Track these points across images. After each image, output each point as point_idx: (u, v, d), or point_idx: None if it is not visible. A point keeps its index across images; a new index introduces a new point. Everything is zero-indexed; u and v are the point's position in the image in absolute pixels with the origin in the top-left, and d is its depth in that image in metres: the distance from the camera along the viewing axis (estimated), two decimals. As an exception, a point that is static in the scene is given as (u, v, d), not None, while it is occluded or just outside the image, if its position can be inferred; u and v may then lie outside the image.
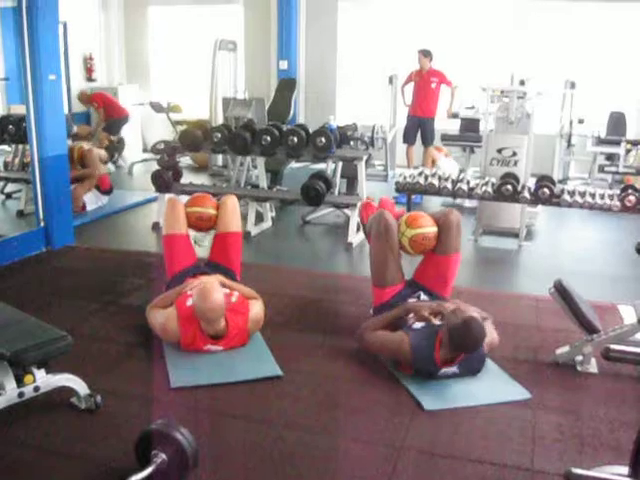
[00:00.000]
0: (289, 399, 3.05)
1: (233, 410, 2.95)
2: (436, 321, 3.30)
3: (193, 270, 3.86)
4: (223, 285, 3.56)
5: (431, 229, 3.67)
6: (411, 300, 3.60)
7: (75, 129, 8.54)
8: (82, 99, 9.74)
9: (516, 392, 3.14)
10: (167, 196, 6.23)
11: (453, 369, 3.15)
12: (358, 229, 6.13)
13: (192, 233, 4.09)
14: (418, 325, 3.29)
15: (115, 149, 9.29)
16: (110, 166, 8.63)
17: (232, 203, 4.05)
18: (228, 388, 3.11)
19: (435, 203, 7.18)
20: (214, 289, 3.32)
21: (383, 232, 3.64)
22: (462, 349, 3.05)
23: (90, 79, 10.73)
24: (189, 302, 3.42)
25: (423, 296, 3.65)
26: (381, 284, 3.69)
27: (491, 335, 3.30)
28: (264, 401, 3.03)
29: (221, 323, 3.35)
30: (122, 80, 11.31)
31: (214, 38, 8.87)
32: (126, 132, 9.93)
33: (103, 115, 9.53)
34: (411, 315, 3.41)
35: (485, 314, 3.46)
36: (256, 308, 3.56)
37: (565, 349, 3.45)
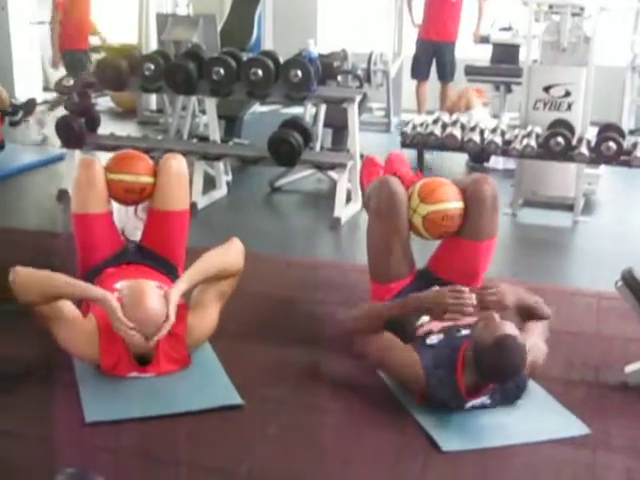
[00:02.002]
0: (252, 439, 3.04)
1: (172, 454, 2.94)
2: (464, 322, 3.27)
3: (117, 258, 3.84)
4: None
5: (455, 204, 3.62)
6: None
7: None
8: None
9: (569, 426, 3.15)
10: (78, 154, 6.23)
11: (482, 399, 3.16)
12: (349, 199, 6.13)
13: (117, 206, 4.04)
14: (434, 339, 3.25)
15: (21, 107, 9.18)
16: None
17: (177, 167, 3.93)
18: (165, 423, 3.10)
19: (455, 164, 7.20)
20: (149, 290, 3.30)
21: (385, 208, 3.62)
22: (492, 379, 3.05)
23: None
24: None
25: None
26: (382, 279, 3.68)
27: (535, 351, 3.27)
28: (216, 441, 3.02)
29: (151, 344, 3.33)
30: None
31: None
32: (19, 62, 9.85)
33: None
34: (424, 319, 3.39)
35: (540, 308, 3.46)
36: (203, 316, 3.52)
37: (638, 366, 3.47)
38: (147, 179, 3.89)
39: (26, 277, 3.29)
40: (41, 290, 3.27)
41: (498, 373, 3.01)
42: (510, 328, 3.03)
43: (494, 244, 3.71)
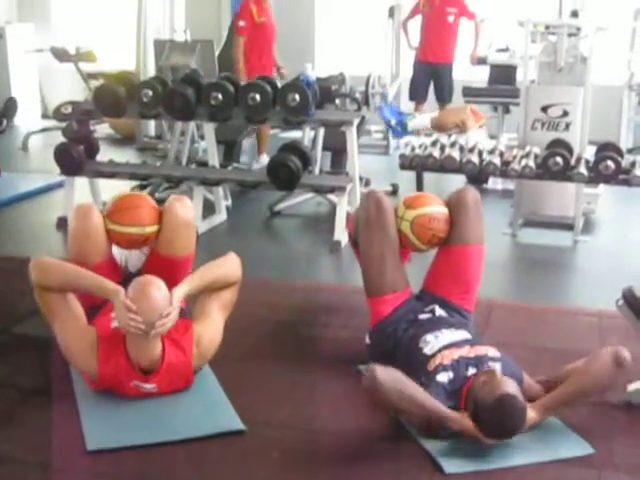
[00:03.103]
0: (255, 464, 3.03)
1: (175, 481, 2.93)
2: (473, 355, 3.27)
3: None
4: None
5: (440, 208, 3.76)
6: (423, 317, 3.61)
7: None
8: None
9: (573, 446, 3.14)
10: (76, 181, 6.23)
11: None
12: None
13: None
14: (444, 377, 3.22)
15: (2, 113, 9.25)
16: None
17: (183, 214, 3.71)
18: (167, 450, 3.09)
19: (453, 186, 7.19)
20: (154, 281, 3.29)
21: (374, 216, 3.69)
22: (490, 435, 3.05)
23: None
24: (115, 323, 3.39)
25: (439, 310, 3.66)
26: (378, 291, 3.70)
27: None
28: (219, 468, 3.00)
29: (156, 347, 3.32)
30: (11, 17, 11.24)
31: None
32: (18, 90, 9.90)
33: None
34: (433, 346, 3.39)
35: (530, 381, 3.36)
36: (208, 325, 3.51)
37: (640, 385, 3.47)
38: (151, 229, 3.68)
39: (45, 262, 3.37)
40: (59, 275, 3.34)
41: (497, 431, 3.03)
42: (511, 386, 3.04)
43: (482, 251, 3.76)
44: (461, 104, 8.65)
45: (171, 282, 3.69)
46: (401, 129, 8.15)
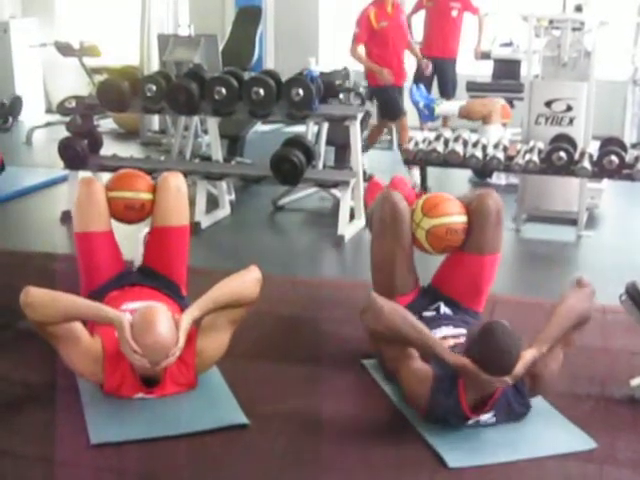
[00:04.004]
0: (258, 457, 3.04)
1: (177, 475, 2.94)
2: None
3: (120, 280, 3.84)
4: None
5: (458, 218, 3.63)
6: (427, 314, 3.61)
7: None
8: None
9: (575, 441, 3.15)
10: (80, 175, 6.24)
11: (487, 417, 3.15)
12: (352, 217, 6.14)
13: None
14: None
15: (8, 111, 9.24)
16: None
17: (175, 184, 3.95)
18: (170, 444, 3.09)
19: (458, 180, 7.21)
20: (161, 315, 3.24)
21: (389, 221, 3.64)
22: (490, 366, 2.97)
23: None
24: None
25: (444, 308, 3.66)
26: (386, 293, 3.66)
27: (542, 364, 3.24)
28: (222, 461, 3.01)
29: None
30: (15, 12, 11.24)
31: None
32: (22, 84, 9.89)
33: None
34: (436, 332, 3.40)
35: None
36: (213, 340, 3.47)
37: (643, 379, 3.47)
38: (146, 195, 3.92)
39: (38, 297, 3.25)
40: (54, 311, 3.24)
41: (493, 359, 2.95)
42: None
43: (498, 259, 3.71)
44: (465, 99, 8.64)
45: (170, 256, 3.89)
46: (429, 113, 8.10)
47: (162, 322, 3.19)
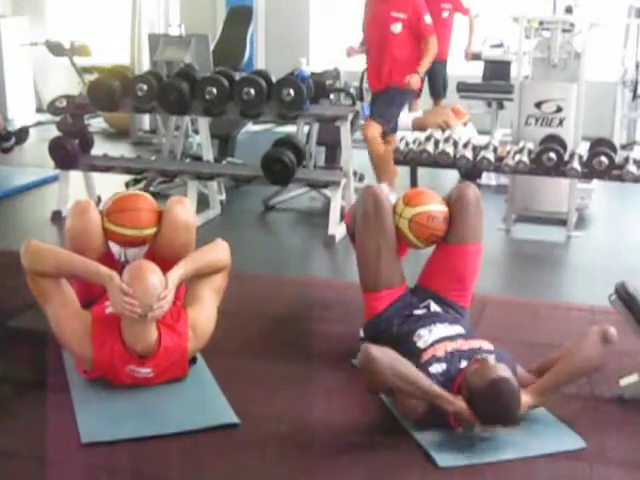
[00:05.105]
0: (248, 457, 3.04)
1: (168, 474, 2.94)
2: (466, 348, 3.29)
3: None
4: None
5: (438, 206, 3.73)
6: (418, 312, 3.62)
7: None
8: None
9: (565, 440, 3.16)
10: (71, 175, 6.23)
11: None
12: (343, 217, 6.15)
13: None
14: (438, 368, 3.21)
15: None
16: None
17: (184, 219, 3.67)
18: (161, 442, 3.09)
19: (447, 181, 7.21)
20: (149, 265, 3.31)
21: (372, 214, 3.68)
22: (488, 423, 3.05)
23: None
24: (110, 309, 3.38)
25: (434, 306, 3.68)
26: (374, 287, 3.71)
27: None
28: (212, 461, 3.01)
29: (152, 332, 3.31)
30: (5, 11, 11.21)
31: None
32: (12, 84, 9.86)
33: None
34: (426, 340, 3.40)
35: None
36: (202, 310, 3.51)
37: (633, 379, 3.48)
38: (150, 231, 3.66)
39: (36, 247, 3.38)
40: (50, 260, 3.33)
41: (492, 415, 3.02)
42: (505, 371, 3.04)
43: (480, 250, 3.75)
44: (443, 104, 8.67)
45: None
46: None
47: (151, 269, 3.27)
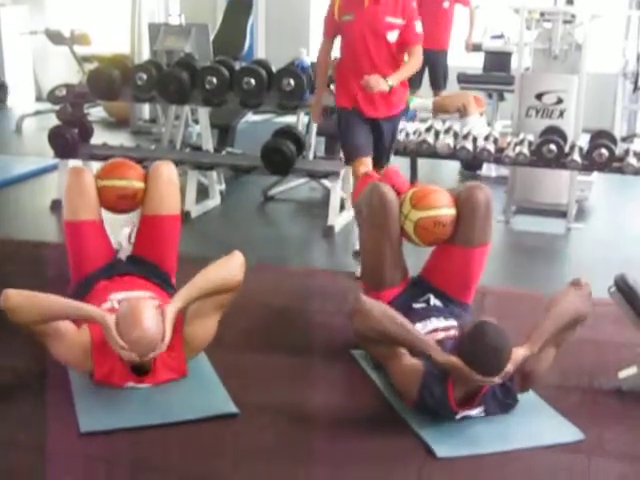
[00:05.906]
0: (246, 447, 3.04)
1: (165, 463, 2.95)
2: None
3: (110, 269, 3.84)
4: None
5: (447, 210, 3.62)
6: (417, 306, 3.62)
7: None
8: None
9: (564, 432, 3.16)
10: (70, 163, 6.22)
11: (477, 411, 3.17)
12: (342, 207, 6.14)
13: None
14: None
15: None
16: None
17: (167, 172, 3.95)
18: (160, 432, 3.10)
19: (448, 172, 7.21)
20: (146, 309, 3.22)
21: (377, 212, 3.64)
22: (480, 366, 2.99)
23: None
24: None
25: (433, 300, 3.67)
26: (376, 286, 3.69)
27: (535, 360, 3.23)
28: (210, 450, 3.01)
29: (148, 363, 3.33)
30: (5, 0, 11.20)
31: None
32: (12, 72, 9.85)
33: None
34: (421, 326, 3.40)
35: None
36: (201, 326, 3.48)
37: (631, 371, 3.49)
38: (138, 184, 3.92)
39: (18, 302, 3.18)
40: (35, 313, 3.20)
41: (484, 358, 2.96)
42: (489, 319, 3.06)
43: (487, 251, 3.71)
44: (459, 91, 8.62)
45: (161, 245, 3.89)
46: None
47: (147, 316, 3.18)
